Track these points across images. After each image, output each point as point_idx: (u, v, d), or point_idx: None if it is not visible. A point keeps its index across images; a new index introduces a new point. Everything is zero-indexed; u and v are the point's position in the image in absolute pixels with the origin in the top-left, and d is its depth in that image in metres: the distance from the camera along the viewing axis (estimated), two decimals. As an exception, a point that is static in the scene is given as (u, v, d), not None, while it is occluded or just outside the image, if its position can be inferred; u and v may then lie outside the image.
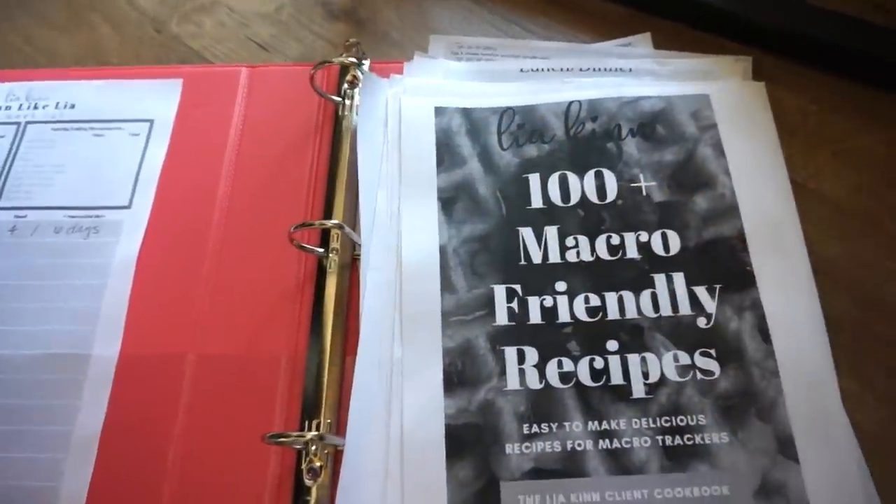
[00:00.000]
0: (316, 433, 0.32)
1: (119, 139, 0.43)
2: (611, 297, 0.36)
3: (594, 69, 0.42)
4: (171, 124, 0.43)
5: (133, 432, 0.35)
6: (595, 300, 0.36)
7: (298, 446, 0.33)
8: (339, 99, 0.43)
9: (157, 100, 0.44)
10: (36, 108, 0.44)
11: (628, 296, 0.36)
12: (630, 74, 0.42)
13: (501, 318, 0.36)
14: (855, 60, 0.42)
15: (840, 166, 0.41)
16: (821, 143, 0.41)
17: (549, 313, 0.36)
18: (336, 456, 0.34)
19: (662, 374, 0.34)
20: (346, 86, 0.43)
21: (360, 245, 0.38)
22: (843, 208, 0.39)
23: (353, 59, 0.42)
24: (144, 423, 0.35)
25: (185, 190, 0.41)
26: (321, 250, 0.38)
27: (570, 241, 0.37)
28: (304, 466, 0.33)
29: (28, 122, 0.44)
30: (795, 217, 0.38)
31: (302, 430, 0.34)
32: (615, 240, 0.37)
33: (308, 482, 0.33)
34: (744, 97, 0.41)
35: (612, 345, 0.35)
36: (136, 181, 0.41)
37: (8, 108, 0.44)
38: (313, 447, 0.33)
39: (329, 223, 0.36)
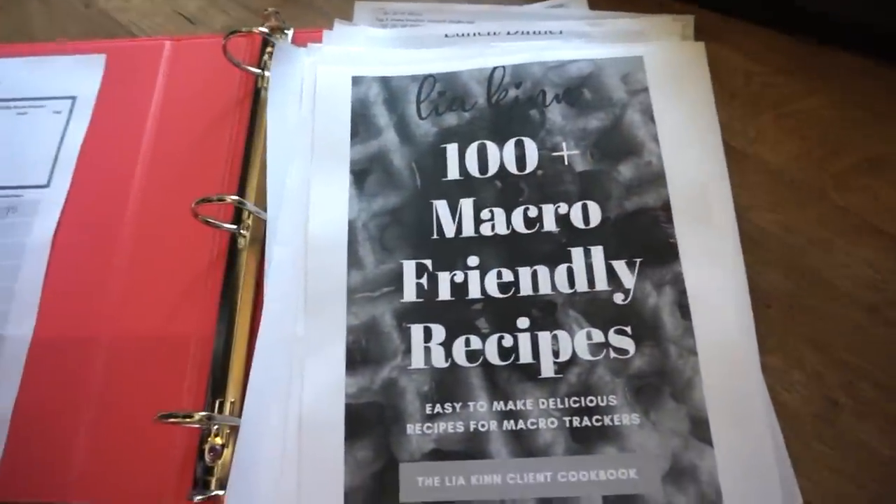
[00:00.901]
0: (204, 413, 0.31)
1: (41, 117, 0.42)
2: (524, 273, 0.34)
3: (522, 32, 0.40)
4: (94, 101, 0.42)
5: (44, 412, 0.35)
6: (508, 275, 0.34)
7: (192, 426, 0.33)
8: (259, 71, 0.41)
9: (80, 76, 0.43)
10: (-41, 85, 0.44)
11: (543, 271, 0.34)
12: (560, 37, 0.40)
13: (409, 295, 0.34)
14: (804, 16, 0.39)
15: (782, 131, 0.38)
16: (764, 107, 0.39)
17: (459, 289, 0.34)
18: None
19: (574, 353, 0.33)
20: (265, 57, 0.41)
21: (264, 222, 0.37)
22: (783, 176, 0.37)
23: (266, 29, 0.40)
24: (56, 403, 0.35)
25: (103, 168, 0.41)
26: (232, 226, 0.37)
27: (485, 214, 0.36)
28: (206, 446, 0.33)
29: (-48, 102, 0.43)
30: (727, 186, 0.36)
31: (212, 409, 0.34)
32: (532, 212, 0.36)
33: (209, 461, 0.33)
34: (680, 59, 0.39)
35: (522, 322, 0.33)
36: (55, 160, 0.41)
37: (-69, 86, 0.44)
38: (215, 426, 0.33)
39: (229, 198, 0.36)
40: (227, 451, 0.33)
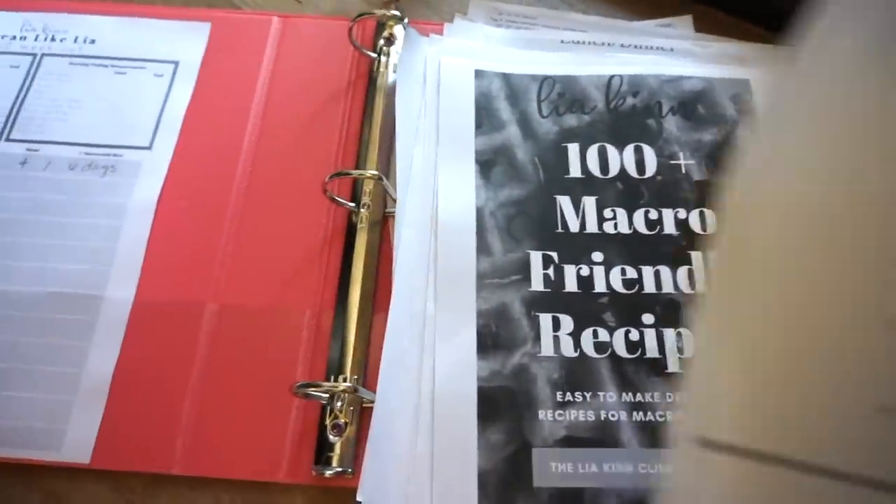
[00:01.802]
0: (349, 384, 0.30)
1: (142, 78, 0.41)
2: (647, 271, 0.35)
3: (634, 46, 0.42)
4: (198, 68, 0.41)
5: (146, 379, 0.34)
6: (631, 272, 0.35)
7: (324, 400, 0.32)
8: (375, 55, 0.41)
9: (183, 41, 0.42)
10: (53, 40, 0.42)
11: (665, 271, 0.35)
12: (671, 54, 0.42)
13: (537, 284, 0.35)
14: None
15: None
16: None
17: (585, 282, 0.35)
18: (362, 413, 0.33)
19: (697, 351, 0.34)
20: (381, 42, 0.42)
21: (394, 201, 0.37)
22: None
23: (396, 13, 0.40)
24: (159, 370, 0.34)
25: (209, 136, 0.40)
26: (352, 204, 0.37)
27: (608, 213, 0.37)
28: (328, 422, 0.32)
29: (44, 55, 0.41)
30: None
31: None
32: (653, 214, 0.37)
33: (332, 438, 0.32)
34: (782, 86, 0.41)
35: (647, 318, 0.34)
36: (157, 123, 0.40)
37: (23, 38, 0.42)
38: (338, 402, 0.32)
39: (368, 173, 0.35)
40: (349, 429, 0.32)
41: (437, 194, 0.36)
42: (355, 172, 0.35)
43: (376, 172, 0.36)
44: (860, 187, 0.18)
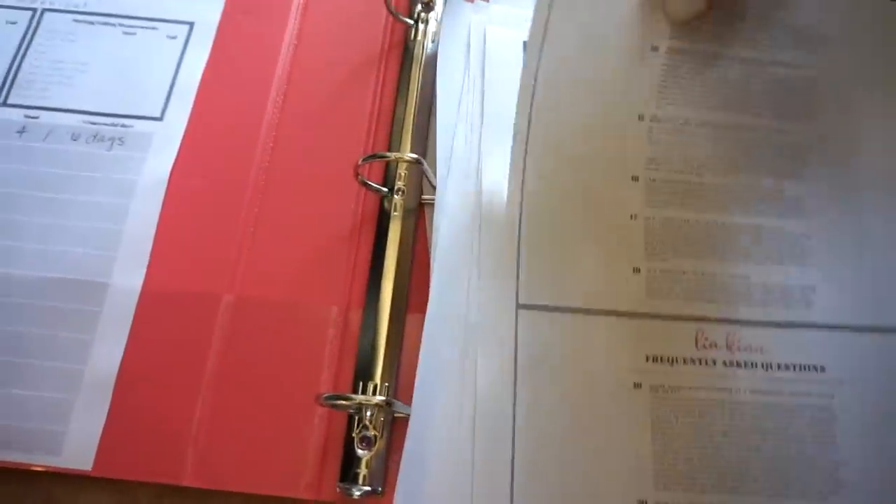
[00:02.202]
0: (382, 398, 0.27)
1: (153, 40, 0.37)
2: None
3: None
4: (215, 30, 0.37)
5: (155, 378, 0.30)
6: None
7: (353, 411, 0.29)
8: (412, 21, 0.37)
9: (199, 1, 0.38)
10: (55, -7, 0.38)
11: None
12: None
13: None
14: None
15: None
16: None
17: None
18: (393, 424, 0.30)
19: None
20: (419, 7, 0.37)
21: (432, 187, 0.33)
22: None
23: (436, -23, 0.36)
24: (169, 368, 0.31)
25: (227, 106, 0.36)
26: (385, 189, 0.33)
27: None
28: (356, 434, 0.29)
29: (45, 10, 0.37)
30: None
31: (355, 392, 0.30)
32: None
33: (361, 452, 0.29)
34: None
35: None
36: (170, 90, 0.36)
37: (22, -10, 0.38)
38: (369, 413, 0.29)
39: (406, 156, 0.31)
40: (379, 442, 0.29)
41: (482, 181, 0.32)
42: (392, 155, 0.31)
43: (415, 155, 0.32)
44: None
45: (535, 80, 0.31)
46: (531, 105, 0.31)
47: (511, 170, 0.31)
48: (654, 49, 0.32)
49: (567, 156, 0.32)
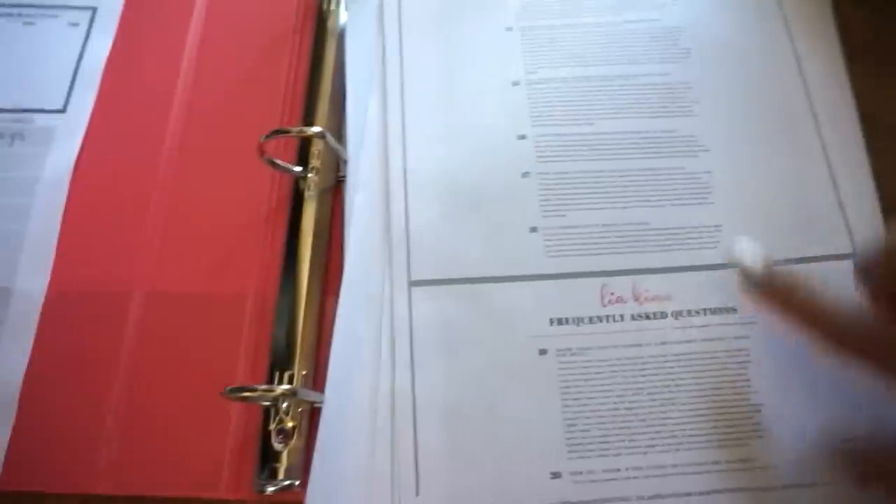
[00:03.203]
0: (288, 387, 0.25)
1: (54, 29, 0.35)
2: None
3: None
4: (119, 13, 0.36)
5: (63, 384, 0.29)
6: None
7: (266, 402, 0.27)
8: (324, -10, 0.35)
9: (101, -16, 0.36)
10: (-51, -13, 0.36)
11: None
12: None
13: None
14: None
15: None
16: (892, 66, 0.35)
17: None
18: (311, 414, 0.28)
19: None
20: (332, -25, 0.35)
21: (345, 162, 0.31)
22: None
23: (340, -62, 0.34)
24: (78, 373, 0.29)
25: (134, 93, 0.34)
26: (298, 169, 0.31)
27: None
28: (272, 427, 0.27)
29: (-60, 5, 0.36)
30: (863, 148, 0.32)
31: (271, 382, 0.28)
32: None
33: (277, 445, 0.27)
34: (805, 5, 0.34)
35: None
36: (73, 80, 0.34)
37: (-88, -16, 0.36)
38: (285, 404, 0.27)
39: (309, 130, 0.30)
40: (297, 434, 0.27)
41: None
42: (294, 130, 0.29)
43: (319, 129, 0.30)
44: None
45: (401, 55, 0.32)
46: (401, 80, 0.32)
47: (389, 146, 0.30)
48: (509, 29, 0.33)
49: (447, 126, 0.31)
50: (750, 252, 0.25)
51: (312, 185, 0.31)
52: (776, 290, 0.24)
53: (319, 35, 0.35)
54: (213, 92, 0.34)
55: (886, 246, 0.22)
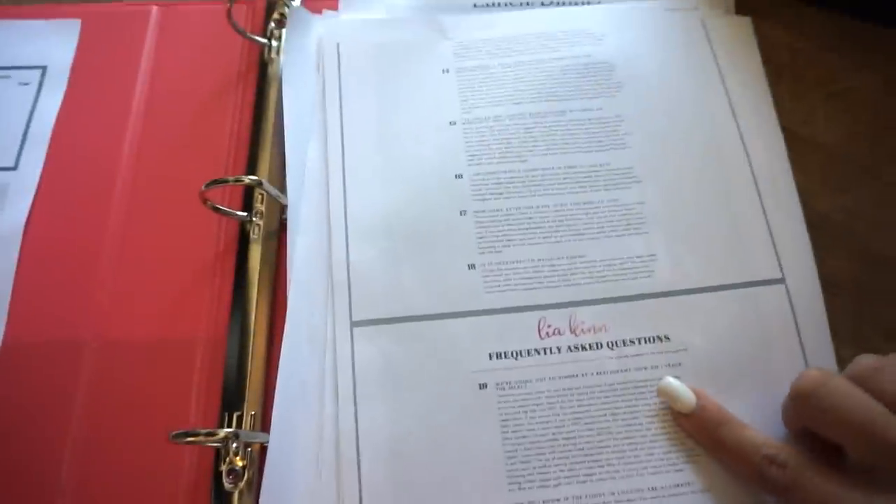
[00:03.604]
0: (230, 430, 0.26)
1: (6, 89, 0.36)
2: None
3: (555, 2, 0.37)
4: (68, 71, 0.37)
5: (18, 437, 0.30)
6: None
7: (213, 444, 0.28)
8: (265, 40, 0.37)
9: (51, 43, 0.37)
10: None
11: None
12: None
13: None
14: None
15: (834, 110, 0.36)
16: (813, 85, 0.37)
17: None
18: (263, 453, 0.29)
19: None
20: (272, 25, 0.37)
21: (286, 207, 0.32)
22: (837, 156, 0.35)
23: (276, -8, 0.36)
24: (34, 423, 0.30)
25: (83, 148, 0.35)
26: (243, 214, 0.33)
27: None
28: (223, 468, 0.28)
29: None
30: (788, 168, 0.33)
31: (221, 424, 0.29)
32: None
33: (228, 486, 0.28)
34: (730, 33, 0.36)
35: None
36: (24, 138, 0.35)
37: None
38: (233, 445, 0.28)
39: (246, 179, 0.31)
40: (248, 473, 0.28)
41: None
42: (231, 179, 0.30)
43: (256, 178, 0.31)
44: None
45: (340, 98, 0.34)
46: (341, 123, 0.33)
47: (330, 189, 0.31)
48: (446, 71, 0.34)
49: (386, 168, 0.32)
50: (678, 387, 0.27)
51: (256, 230, 0.32)
52: (705, 420, 0.26)
53: (261, 82, 0.36)
54: (161, 143, 0.35)
55: (793, 389, 0.25)
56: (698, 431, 0.27)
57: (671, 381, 0.27)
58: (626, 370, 0.28)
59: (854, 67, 0.37)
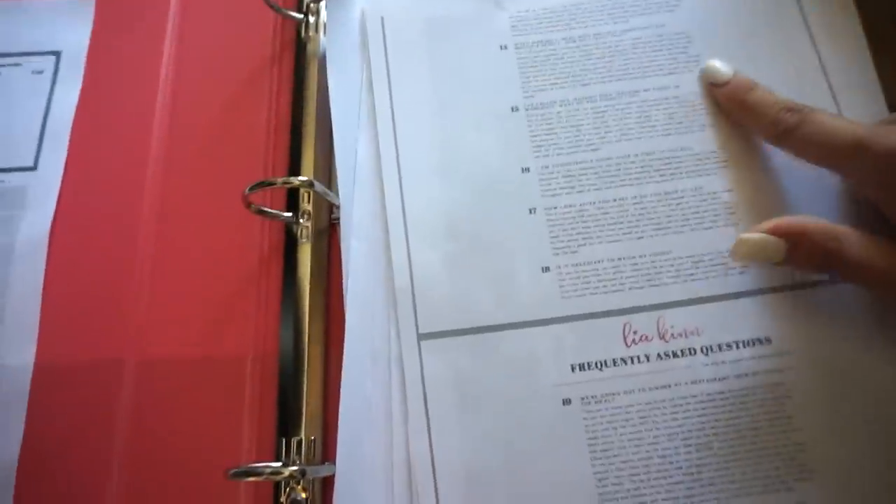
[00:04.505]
0: (296, 468, 0.24)
1: (17, 78, 0.33)
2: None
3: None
4: (84, 56, 0.33)
5: (59, 461, 0.27)
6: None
7: (276, 480, 0.25)
8: (301, 15, 0.33)
9: (63, 25, 0.34)
10: None
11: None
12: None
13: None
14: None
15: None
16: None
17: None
18: (325, 482, 0.26)
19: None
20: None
21: (337, 207, 0.29)
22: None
23: (315, -40, 0.32)
24: (74, 449, 0.27)
25: (107, 143, 0.32)
26: (289, 215, 0.29)
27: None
28: (283, 499, 0.26)
29: None
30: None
31: (278, 452, 0.26)
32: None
33: (291, 520, 0.26)
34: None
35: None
36: (42, 134, 0.32)
37: None
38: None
39: (296, 180, 0.28)
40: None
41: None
42: (280, 181, 0.27)
43: (305, 178, 0.28)
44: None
45: (389, 82, 0.30)
46: (391, 110, 0.30)
47: (385, 186, 0.28)
48: (503, 48, 0.31)
49: (443, 161, 0.29)
50: (719, 63, 0.28)
51: (304, 232, 0.29)
52: (737, 86, 0.28)
53: (299, 64, 0.32)
54: (192, 138, 0.32)
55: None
56: (729, 98, 0.28)
57: (716, 62, 0.29)
58: (723, 378, 0.26)
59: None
